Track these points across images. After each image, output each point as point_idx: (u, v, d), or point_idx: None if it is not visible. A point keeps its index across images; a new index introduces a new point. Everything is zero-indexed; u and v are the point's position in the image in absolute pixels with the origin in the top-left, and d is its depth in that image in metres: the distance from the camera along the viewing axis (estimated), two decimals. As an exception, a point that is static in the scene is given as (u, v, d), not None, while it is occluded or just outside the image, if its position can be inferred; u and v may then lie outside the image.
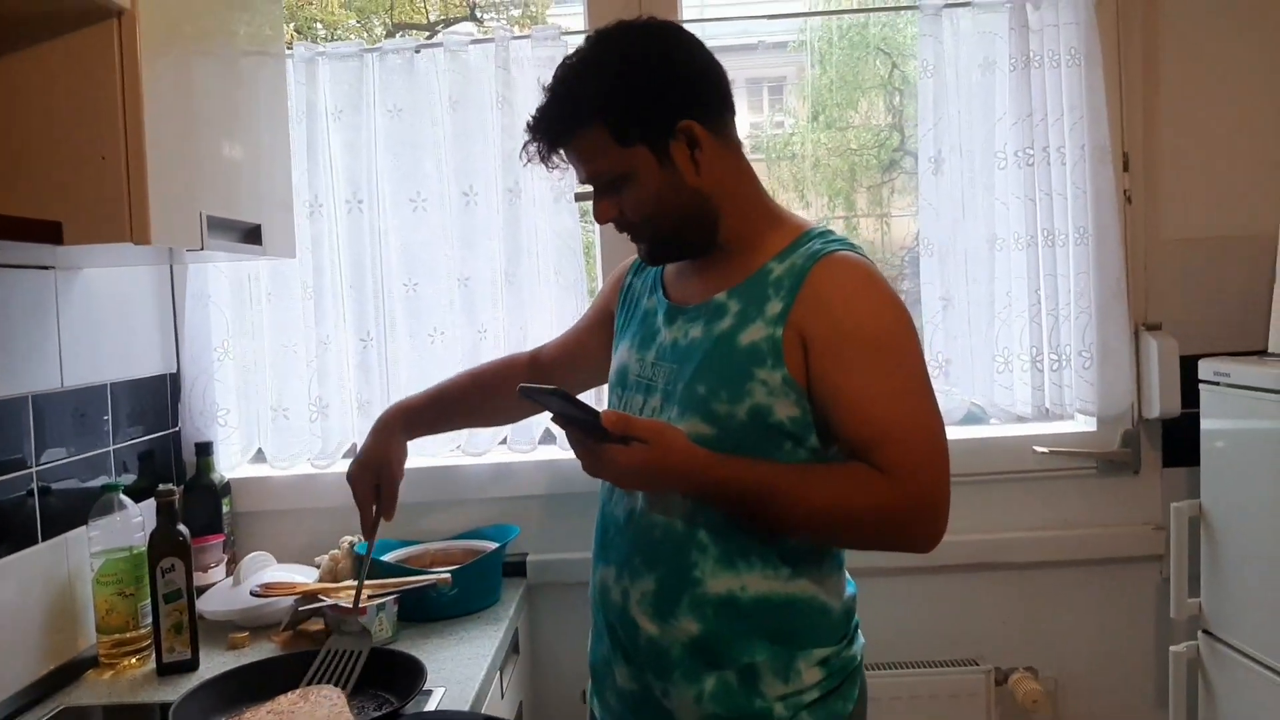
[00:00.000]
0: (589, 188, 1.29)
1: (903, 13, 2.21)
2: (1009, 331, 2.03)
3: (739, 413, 1.20)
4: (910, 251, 2.28)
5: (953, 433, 2.01)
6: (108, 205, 1.23)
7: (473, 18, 2.89)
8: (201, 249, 1.37)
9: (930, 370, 1.96)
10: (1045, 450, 2.05)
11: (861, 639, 1.33)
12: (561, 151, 1.26)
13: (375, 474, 1.56)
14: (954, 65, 2.01)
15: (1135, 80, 2.04)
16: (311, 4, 3.06)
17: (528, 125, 1.26)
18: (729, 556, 1.23)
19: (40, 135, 1.24)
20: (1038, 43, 1.98)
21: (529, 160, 1.28)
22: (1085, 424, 2.09)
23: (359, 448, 1.59)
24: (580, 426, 1.17)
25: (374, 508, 1.56)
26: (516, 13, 2.91)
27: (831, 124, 2.29)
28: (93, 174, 1.23)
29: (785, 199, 2.30)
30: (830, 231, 1.30)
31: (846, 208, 2.31)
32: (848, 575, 1.34)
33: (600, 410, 1.15)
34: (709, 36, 2.03)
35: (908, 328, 1.22)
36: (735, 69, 2.16)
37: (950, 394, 2.02)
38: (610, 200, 1.26)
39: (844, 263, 1.22)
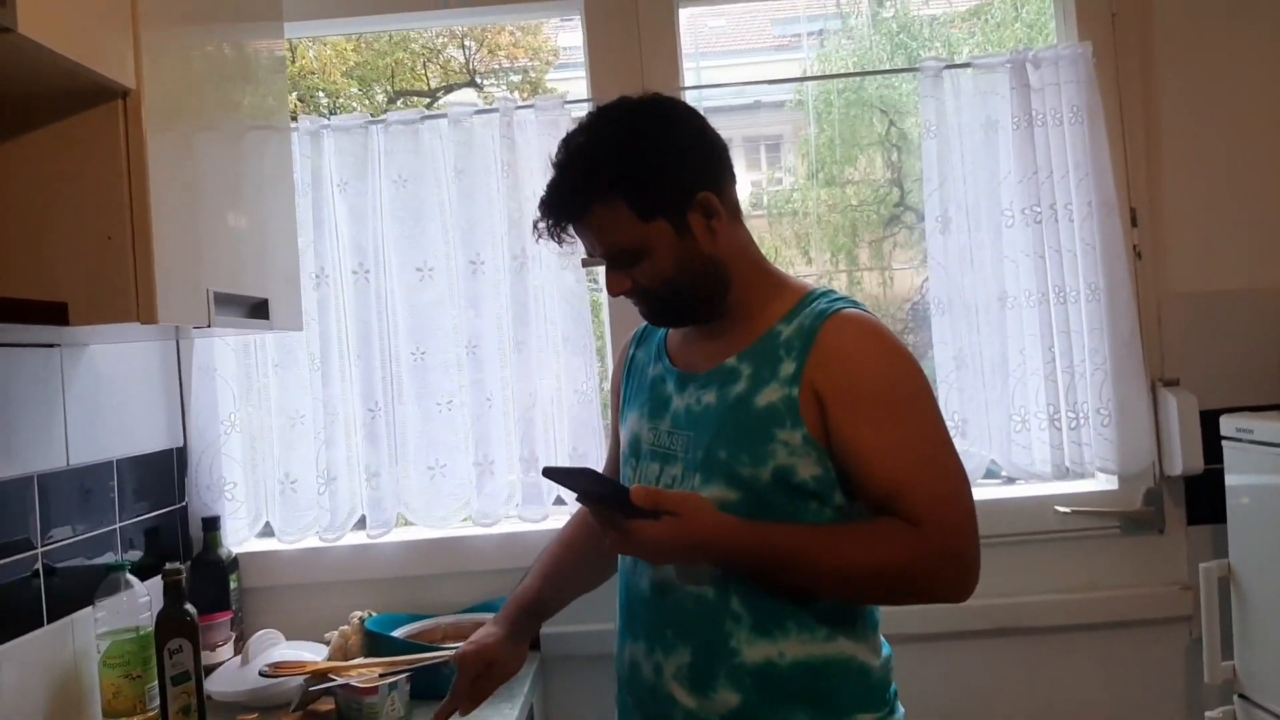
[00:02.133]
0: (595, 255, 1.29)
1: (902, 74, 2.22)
2: (1024, 389, 2.00)
3: (763, 475, 1.20)
4: (914, 305, 2.29)
5: (973, 493, 2.04)
6: (114, 285, 1.22)
7: (473, 84, 2.92)
8: (208, 326, 1.36)
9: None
10: (1067, 510, 2.01)
11: (901, 709, 1.30)
12: (572, 227, 1.26)
13: (487, 666, 1.43)
14: (956, 125, 2.02)
15: (1138, 135, 2.05)
16: (314, 74, 3.10)
17: (541, 201, 1.26)
18: (764, 624, 1.21)
19: (46, 216, 1.24)
20: (1039, 101, 1.99)
21: (540, 237, 1.28)
22: (1107, 483, 2.05)
23: (478, 632, 1.48)
24: (609, 504, 1.16)
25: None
26: (516, 79, 2.94)
27: (831, 181, 2.32)
28: (99, 254, 1.22)
29: (788, 255, 2.31)
30: (832, 291, 1.31)
31: (849, 263, 2.33)
32: (883, 638, 1.31)
33: (629, 487, 1.15)
34: (706, 97, 2.11)
35: (921, 380, 1.24)
36: (733, 128, 2.21)
37: (968, 454, 1.99)
38: (624, 273, 1.26)
39: (853, 320, 1.23)
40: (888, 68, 2.25)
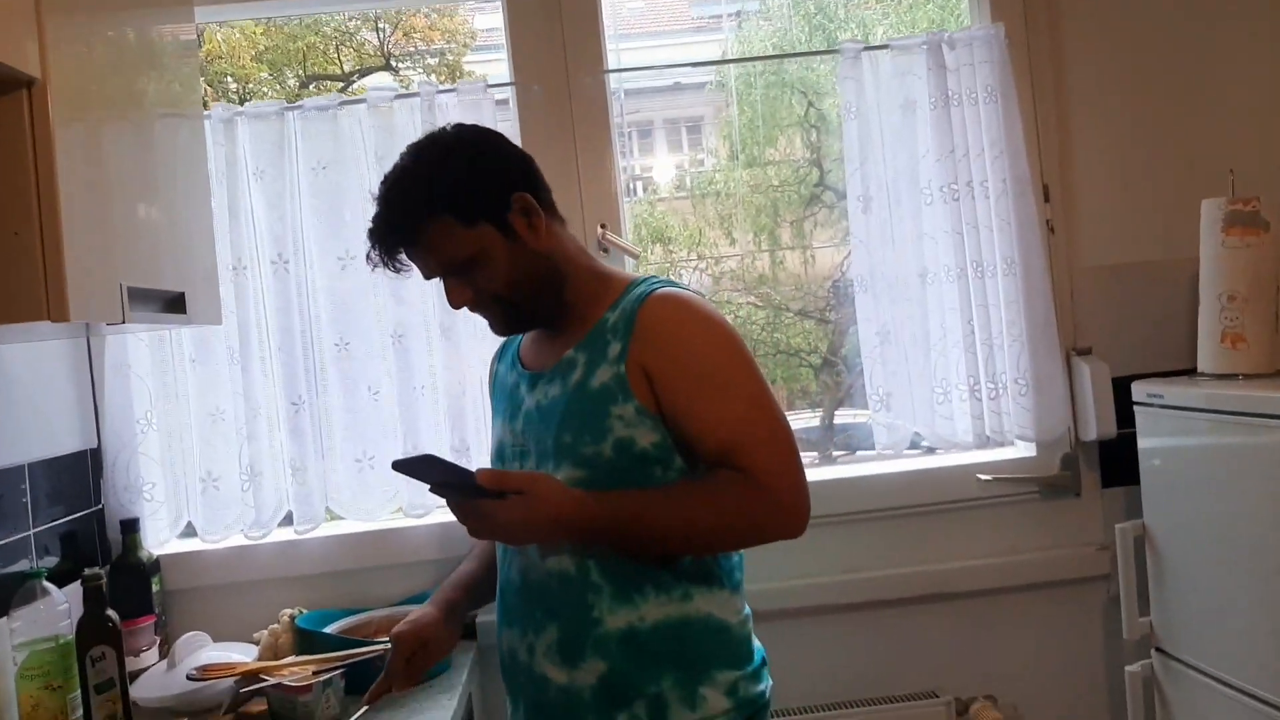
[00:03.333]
0: None
1: (823, 46, 2.25)
2: (945, 362, 2.05)
3: (605, 450, 1.28)
4: (835, 283, 2.33)
5: (898, 465, 2.09)
6: (23, 283, 1.16)
7: (388, 67, 2.85)
8: (123, 322, 1.31)
9: (871, 403, 2.04)
10: (988, 478, 2.08)
11: (769, 679, 1.38)
12: (405, 253, 1.35)
13: (422, 646, 1.45)
14: (876, 105, 2.06)
15: (1049, 114, 2.12)
16: (222, 59, 2.98)
17: (370, 234, 1.35)
18: (624, 590, 1.29)
19: (-54, 212, 1.18)
20: (955, 81, 2.03)
21: (375, 267, 1.36)
22: (1025, 450, 2.12)
23: (414, 612, 1.50)
24: (461, 491, 1.23)
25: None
26: (433, 61, 2.88)
27: (752, 162, 2.35)
28: (5, 251, 1.16)
29: (712, 236, 2.33)
30: (654, 277, 1.41)
31: (771, 242, 2.36)
32: (746, 603, 1.39)
33: (474, 470, 1.20)
34: (627, 80, 2.10)
35: (735, 343, 1.33)
36: (653, 110, 2.24)
37: (893, 426, 2.04)
38: (463, 283, 1.34)
39: (667, 298, 1.33)
40: (806, 49, 2.27)
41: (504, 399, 1.48)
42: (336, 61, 3.06)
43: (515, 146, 1.41)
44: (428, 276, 1.38)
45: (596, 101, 2.08)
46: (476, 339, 2.00)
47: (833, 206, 2.32)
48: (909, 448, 2.11)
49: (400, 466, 1.19)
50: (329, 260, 1.99)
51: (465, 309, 1.37)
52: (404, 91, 2.01)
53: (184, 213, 1.61)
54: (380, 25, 2.87)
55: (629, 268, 2.10)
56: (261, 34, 3.18)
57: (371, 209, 1.95)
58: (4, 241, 1.16)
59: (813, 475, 2.08)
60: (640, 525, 1.24)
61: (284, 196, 1.98)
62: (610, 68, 2.09)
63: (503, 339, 1.54)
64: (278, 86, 2.95)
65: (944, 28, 2.11)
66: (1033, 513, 2.10)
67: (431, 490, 1.25)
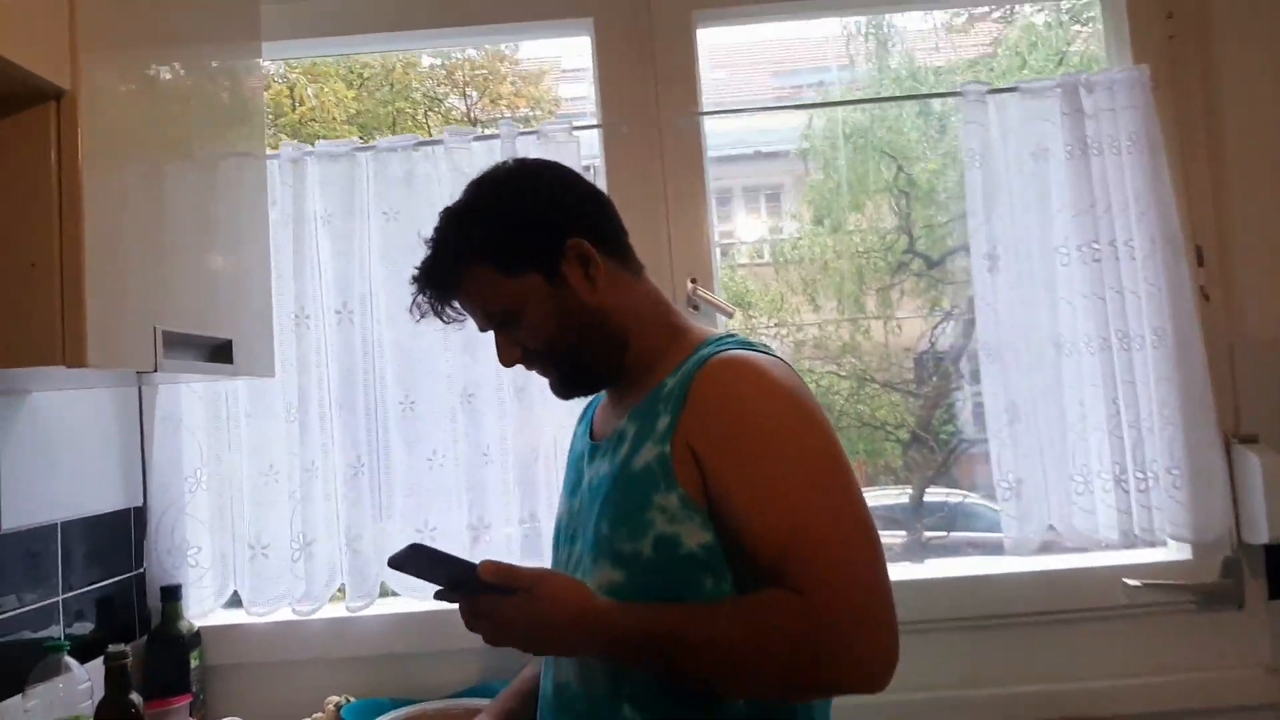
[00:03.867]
0: None
1: (912, 114, 2.10)
2: (1085, 446, 1.79)
3: (644, 549, 1.07)
4: (922, 354, 2.15)
5: (1031, 564, 1.81)
6: (37, 322, 1.02)
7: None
8: (154, 370, 1.15)
9: (999, 491, 1.77)
10: (1136, 583, 1.79)
11: None
12: (456, 304, 1.22)
13: None
14: (1003, 154, 1.84)
15: (1201, 166, 1.87)
16: (315, 121, 2.96)
17: (413, 279, 1.22)
18: None
19: (-43, 238, 1.04)
20: (1094, 128, 1.81)
21: (422, 315, 1.23)
22: (1179, 551, 1.83)
23: None
24: (466, 586, 1.05)
25: None
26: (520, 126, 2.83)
27: (837, 227, 2.22)
28: (19, 284, 1.02)
29: (795, 303, 2.17)
30: (732, 335, 1.20)
31: (856, 309, 2.22)
32: None
33: (478, 562, 1.03)
34: (714, 147, 1.94)
35: (801, 415, 1.07)
36: (733, 178, 2.12)
37: (1025, 517, 1.77)
38: (510, 337, 1.20)
39: (728, 362, 1.09)
40: (928, 94, 2.08)
41: (571, 469, 1.31)
42: (425, 126, 3.05)
43: (584, 183, 1.24)
44: (481, 329, 1.23)
45: (690, 143, 1.91)
46: (554, 400, 1.81)
47: (921, 275, 2.16)
48: (1039, 549, 1.82)
49: (396, 563, 1.01)
50: (397, 312, 1.83)
51: (523, 367, 1.22)
52: (484, 133, 1.86)
53: (239, 255, 1.48)
54: (468, 91, 2.82)
55: (723, 324, 1.90)
56: (353, 98, 3.19)
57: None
58: (19, 274, 1.02)
59: (930, 571, 1.87)
60: (669, 648, 1.00)
61: (352, 243, 1.84)
62: (705, 109, 1.92)
63: (586, 398, 1.34)
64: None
65: (1082, 70, 1.88)
66: (1188, 626, 1.80)
67: (437, 596, 1.08)
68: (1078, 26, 2.25)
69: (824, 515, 1.00)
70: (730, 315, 1.86)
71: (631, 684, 1.07)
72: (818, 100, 2.19)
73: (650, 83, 1.91)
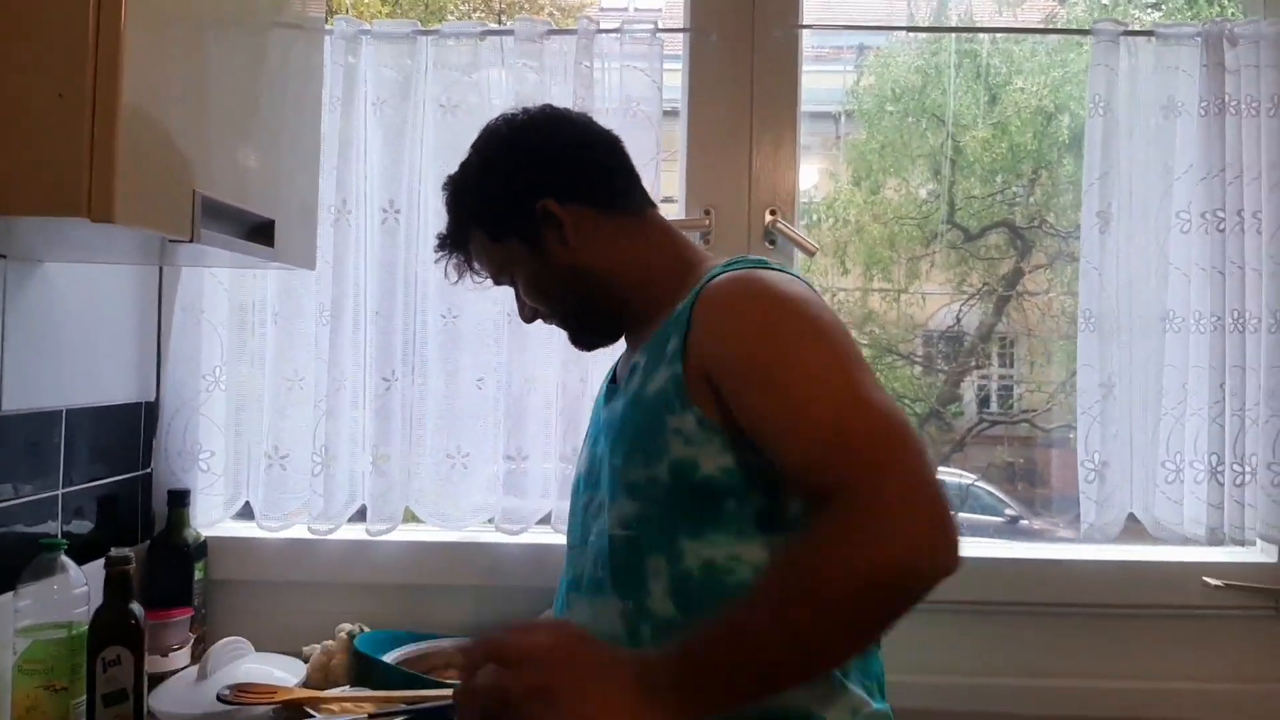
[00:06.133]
0: (678, 216, 1.25)
1: (969, 78, 1.95)
2: (1181, 431, 1.64)
3: (660, 474, 1.02)
4: (943, 331, 2.08)
5: (1106, 553, 1.67)
6: (62, 166, 0.86)
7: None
8: (191, 240, 1.00)
9: (1082, 471, 1.63)
10: (1218, 583, 1.65)
11: None
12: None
13: None
14: (1129, 104, 1.67)
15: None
16: (349, 8, 2.81)
17: (436, 243, 1.30)
18: None
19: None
20: (1234, 85, 1.63)
21: (460, 278, 1.31)
22: (1265, 553, 1.69)
23: None
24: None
25: None
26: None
27: (876, 190, 2.14)
28: (44, 117, 0.86)
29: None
30: (742, 258, 1.15)
31: (885, 278, 2.15)
32: (874, 699, 1.04)
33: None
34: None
35: (810, 318, 0.99)
36: None
37: (1106, 505, 1.63)
38: (520, 297, 1.27)
39: (732, 277, 1.06)
40: (955, 77, 1.94)
41: (593, 420, 1.29)
42: (466, 18, 2.93)
43: (563, 133, 1.22)
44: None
45: (785, 59, 1.72)
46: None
47: (956, 246, 2.07)
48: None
49: None
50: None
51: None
52: (558, 27, 1.69)
53: (288, 131, 1.32)
54: (503, 20, 2.69)
55: (798, 265, 1.75)
56: (386, 14, 3.03)
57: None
58: (45, 105, 0.86)
59: (996, 550, 1.74)
60: (748, 642, 0.82)
61: (404, 134, 1.67)
62: (805, 22, 1.73)
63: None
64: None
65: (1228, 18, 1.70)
66: (1270, 633, 1.67)
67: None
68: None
69: (847, 405, 0.90)
70: (812, 254, 1.70)
71: (651, 618, 1.03)
72: (936, 25, 2.00)
73: (748, -10, 1.72)
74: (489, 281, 1.30)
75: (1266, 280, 1.62)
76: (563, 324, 1.27)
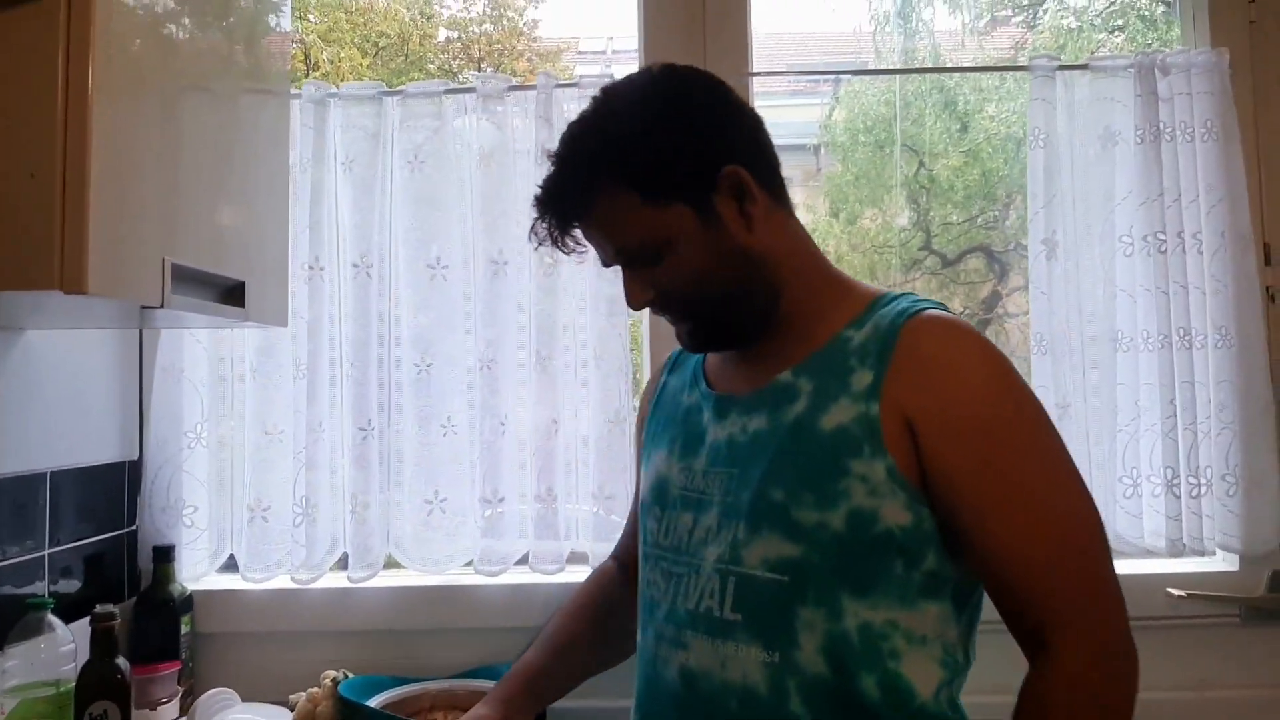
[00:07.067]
0: None
1: (936, 108, 2.04)
2: (1137, 448, 1.69)
3: (833, 522, 0.94)
4: None
5: None
6: (34, 241, 0.92)
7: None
8: (161, 306, 1.05)
9: None
10: (1181, 594, 1.69)
11: None
12: (579, 229, 1.06)
13: None
14: (1068, 136, 1.74)
15: (1275, 161, 1.77)
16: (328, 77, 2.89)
17: (537, 200, 1.06)
18: None
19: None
20: (1168, 112, 1.70)
21: (540, 243, 1.08)
22: (1225, 563, 1.73)
23: (469, 715, 1.22)
24: None
25: None
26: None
27: (853, 220, 2.18)
28: (16, 196, 0.91)
29: None
30: (912, 293, 1.07)
31: None
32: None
33: None
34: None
35: (1037, 403, 0.99)
36: None
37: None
38: (644, 278, 1.04)
39: (943, 322, 1.00)
40: (922, 106, 2.02)
41: (673, 424, 1.15)
42: (447, 65, 3.00)
43: (744, 105, 1.07)
44: (605, 263, 1.08)
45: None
46: (576, 372, 1.72)
47: (935, 272, 2.11)
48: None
49: None
50: (417, 269, 1.73)
51: (648, 313, 1.12)
52: (519, 83, 1.75)
53: (256, 194, 1.38)
54: (483, 66, 2.77)
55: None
56: (368, 66, 3.11)
57: (471, 213, 1.72)
58: (17, 185, 0.91)
59: None
60: None
61: (373, 192, 1.73)
62: (755, 70, 1.80)
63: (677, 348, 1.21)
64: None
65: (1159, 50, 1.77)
66: (1231, 640, 1.71)
67: None
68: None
69: (1078, 533, 0.93)
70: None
71: (799, 675, 0.95)
72: (873, 68, 2.09)
73: (698, 38, 1.79)
74: (586, 257, 1.12)
75: (1210, 298, 1.67)
76: (694, 316, 1.07)
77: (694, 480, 1.07)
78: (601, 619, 1.31)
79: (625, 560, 1.37)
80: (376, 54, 2.91)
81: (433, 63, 2.87)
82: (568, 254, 1.09)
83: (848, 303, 1.05)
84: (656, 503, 1.11)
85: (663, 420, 1.19)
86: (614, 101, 1.04)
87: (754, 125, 1.07)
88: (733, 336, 1.08)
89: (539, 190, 1.05)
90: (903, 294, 1.06)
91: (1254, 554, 1.68)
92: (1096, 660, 0.90)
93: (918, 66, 2.06)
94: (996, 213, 2.17)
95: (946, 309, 1.03)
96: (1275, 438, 1.68)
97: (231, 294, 1.26)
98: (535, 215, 1.06)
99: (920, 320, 0.98)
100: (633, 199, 0.99)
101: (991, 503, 0.93)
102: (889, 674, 0.95)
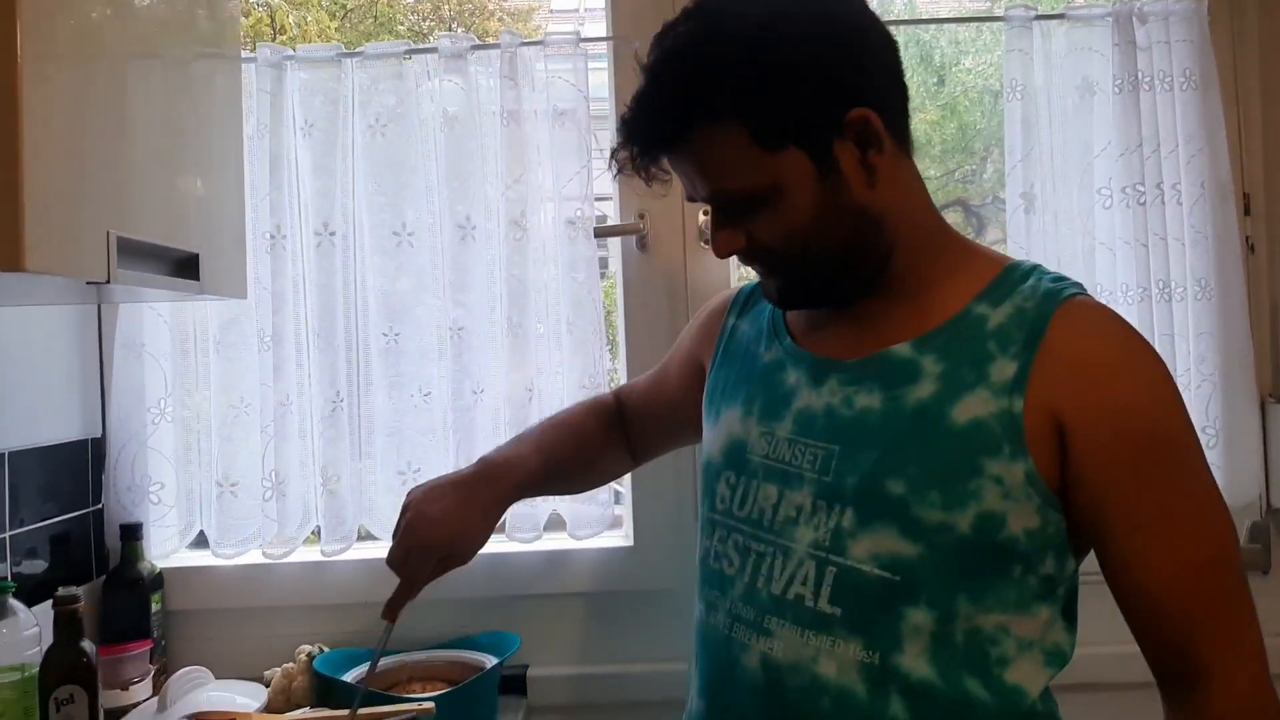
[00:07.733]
0: (613, 222, 0.97)
1: (912, 62, 1.95)
2: (1116, 402, 1.68)
3: (959, 524, 0.86)
4: None
5: None
6: (-33, 216, 0.87)
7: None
8: (107, 281, 1.01)
9: None
10: (1161, 548, 1.69)
11: None
12: (667, 158, 0.92)
13: (448, 549, 1.16)
14: (1046, 86, 1.70)
15: (1254, 110, 1.74)
16: (295, 40, 2.81)
17: (622, 121, 0.92)
18: None
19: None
20: (1146, 62, 1.67)
21: (619, 170, 0.94)
22: (1207, 515, 1.73)
23: (434, 509, 1.16)
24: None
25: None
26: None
27: None
28: (-56, 170, 0.87)
29: None
30: (1043, 267, 0.97)
31: None
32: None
33: None
34: None
35: (1190, 422, 0.90)
36: None
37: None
38: (737, 226, 0.92)
39: (1103, 315, 0.91)
40: (971, 16, 1.94)
41: (750, 381, 1.03)
42: (417, 26, 2.95)
43: (882, 29, 0.92)
44: (691, 198, 0.95)
45: (709, 64, 1.74)
46: (550, 339, 1.69)
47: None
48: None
49: None
50: (383, 235, 1.68)
51: (735, 260, 0.97)
52: (481, 43, 1.70)
53: (209, 163, 1.33)
54: (454, 26, 2.71)
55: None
56: (336, 29, 3.04)
57: (437, 177, 1.67)
58: (-56, 158, 0.87)
59: None
60: None
61: (334, 157, 1.67)
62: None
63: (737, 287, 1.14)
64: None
65: None
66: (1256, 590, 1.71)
67: None
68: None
69: (1228, 573, 0.88)
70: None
71: (901, 678, 0.88)
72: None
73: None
74: (671, 189, 0.98)
75: (1189, 249, 1.65)
76: (788, 273, 0.96)
77: (777, 448, 0.96)
78: (590, 447, 1.28)
79: (625, 407, 1.32)
80: (344, 16, 2.85)
81: (403, 24, 2.82)
82: (649, 186, 0.95)
83: (972, 270, 0.95)
84: (730, 467, 1.01)
85: (736, 373, 1.06)
86: (729, 15, 0.87)
87: (892, 52, 0.92)
88: (829, 299, 0.98)
89: (625, 112, 0.92)
90: (1035, 266, 0.96)
91: (1234, 505, 1.66)
92: (1239, 709, 0.88)
93: (893, 19, 2.00)
94: (974, 166, 2.13)
95: (1086, 291, 0.94)
96: (1255, 389, 1.67)
97: (185, 266, 1.21)
98: (619, 138, 0.93)
99: (1074, 307, 0.89)
100: (740, 137, 0.86)
101: (1155, 527, 0.86)
102: (997, 680, 0.90)
